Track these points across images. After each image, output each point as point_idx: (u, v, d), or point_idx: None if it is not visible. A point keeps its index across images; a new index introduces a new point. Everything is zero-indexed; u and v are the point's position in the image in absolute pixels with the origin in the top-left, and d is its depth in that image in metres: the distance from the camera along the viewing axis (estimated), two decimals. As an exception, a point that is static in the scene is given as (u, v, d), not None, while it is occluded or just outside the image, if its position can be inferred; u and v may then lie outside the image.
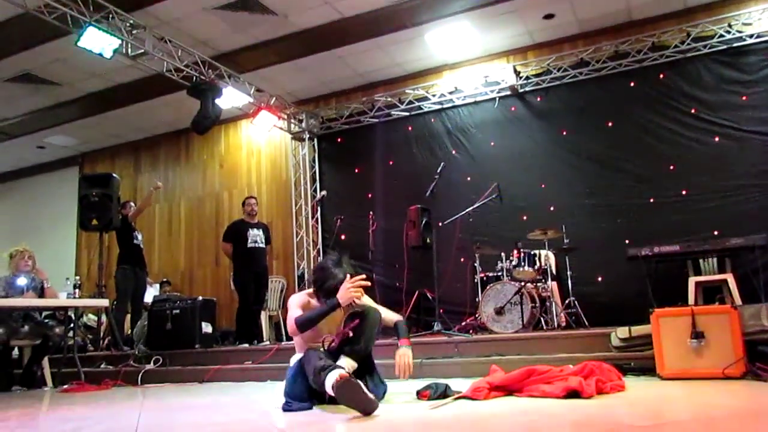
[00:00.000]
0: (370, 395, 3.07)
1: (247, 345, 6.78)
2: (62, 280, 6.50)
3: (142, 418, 3.43)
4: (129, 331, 7.53)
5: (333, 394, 3.00)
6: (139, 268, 7.69)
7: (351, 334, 3.38)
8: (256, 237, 7.47)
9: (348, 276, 3.39)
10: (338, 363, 3.27)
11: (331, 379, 3.02)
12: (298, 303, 3.51)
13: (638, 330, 4.47)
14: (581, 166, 7.67)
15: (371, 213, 7.80)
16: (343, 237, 8.27)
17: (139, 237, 7.80)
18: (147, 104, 9.77)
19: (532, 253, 6.51)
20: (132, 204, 8.05)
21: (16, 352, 6.38)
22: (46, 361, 6.13)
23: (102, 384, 5.80)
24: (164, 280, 10.05)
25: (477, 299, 6.59)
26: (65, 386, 5.78)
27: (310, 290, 3.52)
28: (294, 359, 3.47)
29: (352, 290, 3.30)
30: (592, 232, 7.29)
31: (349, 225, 8.11)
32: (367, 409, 2.93)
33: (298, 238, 9.43)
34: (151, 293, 8.20)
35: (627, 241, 6.81)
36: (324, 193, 8.45)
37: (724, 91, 7.25)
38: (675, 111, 7.40)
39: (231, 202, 10.42)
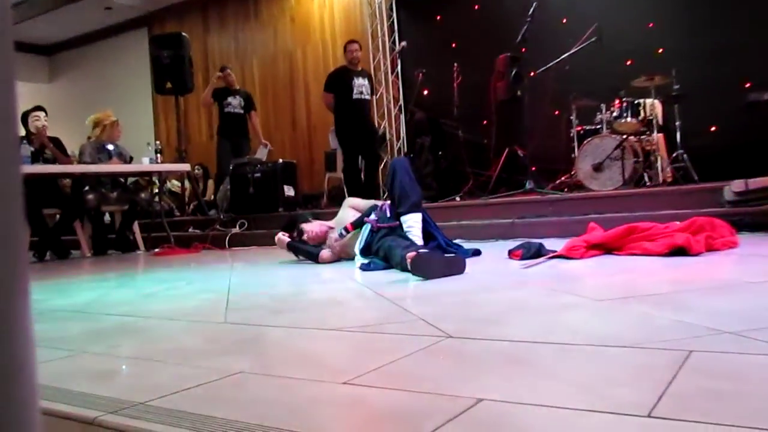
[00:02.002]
0: (451, 257, 3.13)
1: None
2: (142, 145, 6.75)
3: (233, 277, 3.60)
4: (212, 197, 7.87)
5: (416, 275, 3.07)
6: (235, 137, 7.65)
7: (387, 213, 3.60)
8: (361, 87, 6.97)
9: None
10: (405, 230, 3.43)
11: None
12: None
13: (756, 182, 4.27)
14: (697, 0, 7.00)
15: (455, 65, 7.50)
16: (425, 92, 8.03)
17: (235, 102, 7.75)
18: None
19: (635, 102, 6.17)
20: (229, 70, 7.97)
21: (107, 217, 6.86)
22: (136, 226, 6.56)
23: (192, 248, 6.17)
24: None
25: (572, 155, 6.38)
26: (157, 249, 6.21)
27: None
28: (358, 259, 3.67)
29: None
30: (707, 76, 6.67)
31: (431, 79, 7.84)
32: (453, 272, 2.97)
33: (378, 95, 9.19)
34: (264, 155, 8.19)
35: (747, 86, 6.30)
36: (404, 44, 8.17)
37: None
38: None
39: (305, 60, 10.34)
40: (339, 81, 7.00)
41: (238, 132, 7.87)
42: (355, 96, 6.91)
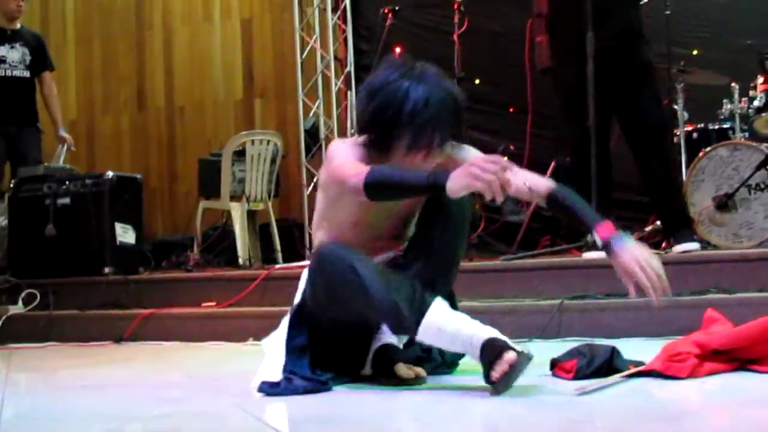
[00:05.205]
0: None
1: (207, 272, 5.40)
2: None
3: (8, 403, 2.91)
4: None
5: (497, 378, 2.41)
6: (12, 124, 6.10)
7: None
8: None
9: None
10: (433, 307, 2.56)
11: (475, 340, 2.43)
12: (348, 153, 2.85)
13: None
14: None
15: (457, 1, 5.76)
16: (397, 50, 6.00)
17: (13, 56, 6.01)
18: None
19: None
20: None
21: None
22: None
23: None
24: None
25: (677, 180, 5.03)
26: None
27: (358, 139, 2.87)
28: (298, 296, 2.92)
29: (479, 172, 2.36)
30: None
31: (410, 25, 6.20)
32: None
33: (305, 54, 6.60)
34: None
35: None
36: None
37: None
38: None
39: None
40: None
41: (18, 114, 6.13)
42: None
